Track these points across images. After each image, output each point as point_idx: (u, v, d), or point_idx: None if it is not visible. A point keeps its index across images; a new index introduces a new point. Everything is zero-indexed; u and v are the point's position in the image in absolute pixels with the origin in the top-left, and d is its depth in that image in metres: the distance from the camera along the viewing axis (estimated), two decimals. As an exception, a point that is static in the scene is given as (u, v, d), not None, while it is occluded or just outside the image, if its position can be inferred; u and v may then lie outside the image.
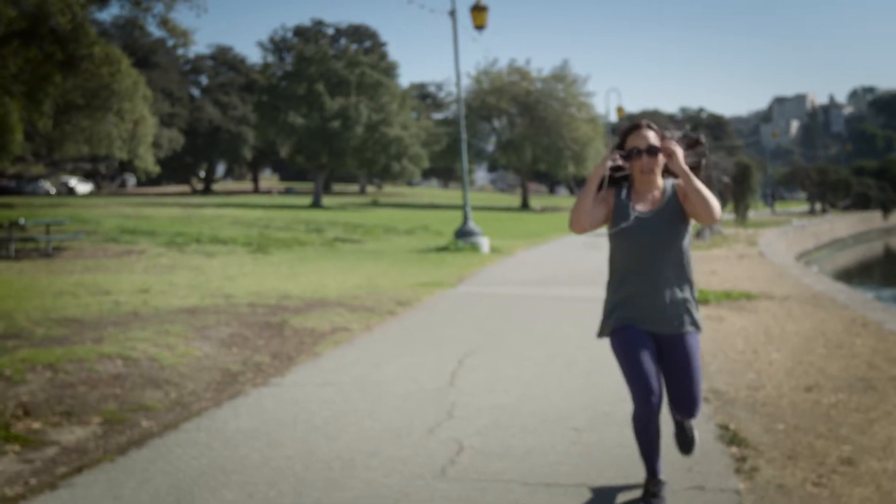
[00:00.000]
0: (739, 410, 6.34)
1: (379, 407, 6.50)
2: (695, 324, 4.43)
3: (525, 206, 68.39)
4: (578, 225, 4.38)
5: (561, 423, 5.97)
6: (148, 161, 29.97)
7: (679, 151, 4.31)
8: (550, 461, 5.15)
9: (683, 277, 4.43)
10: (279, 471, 5.06)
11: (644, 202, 4.39)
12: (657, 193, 4.41)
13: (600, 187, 4.38)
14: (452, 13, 24.64)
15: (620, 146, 4.45)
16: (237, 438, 5.70)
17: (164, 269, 16.39)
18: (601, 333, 4.54)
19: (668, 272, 4.37)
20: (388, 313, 11.51)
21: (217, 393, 7.13)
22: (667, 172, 4.47)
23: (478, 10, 24.07)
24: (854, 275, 35.39)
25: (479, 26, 24.25)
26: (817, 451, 5.33)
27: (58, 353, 7.89)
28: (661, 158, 4.36)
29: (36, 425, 6.00)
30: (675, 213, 4.37)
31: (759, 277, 16.44)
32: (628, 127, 4.49)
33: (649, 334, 4.38)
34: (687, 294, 4.43)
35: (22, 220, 19.99)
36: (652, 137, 4.36)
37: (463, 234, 23.78)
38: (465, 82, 68.85)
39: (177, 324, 9.82)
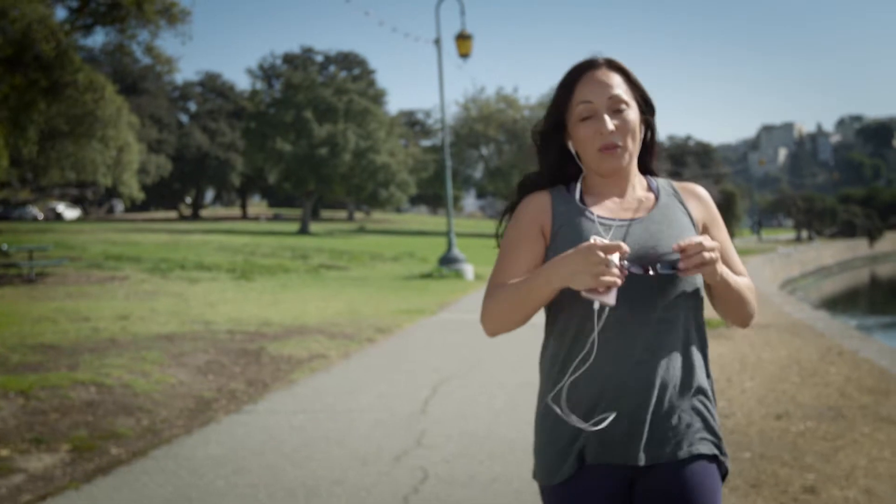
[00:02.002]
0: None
1: (349, 435, 6.52)
2: (715, 442, 2.36)
3: (513, 233, 68.30)
4: (498, 328, 2.38)
5: (528, 450, 5.94)
6: (133, 187, 29.98)
7: (712, 248, 2.20)
8: (514, 488, 5.17)
9: (697, 353, 2.35)
10: (243, 498, 5.07)
11: (620, 209, 2.39)
12: (640, 195, 2.44)
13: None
14: (437, 41, 24.79)
15: (559, 107, 2.40)
16: (205, 466, 5.71)
17: (145, 296, 16.38)
18: (542, 476, 2.40)
19: (671, 345, 2.29)
20: (367, 340, 11.53)
21: (189, 420, 7.13)
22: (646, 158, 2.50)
23: (462, 39, 24.20)
24: (839, 302, 35.53)
25: (464, 55, 24.39)
26: (781, 480, 5.36)
27: (31, 380, 7.89)
28: (630, 127, 2.33)
29: (4, 452, 6.00)
30: (682, 220, 2.40)
31: (739, 305, 16.45)
32: (571, 72, 2.41)
33: (626, 479, 2.32)
34: (703, 383, 2.36)
35: (5, 246, 19.97)
36: (614, 100, 2.32)
37: (447, 260, 23.82)
38: (453, 110, 69.24)
39: (154, 350, 9.82)
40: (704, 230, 2.46)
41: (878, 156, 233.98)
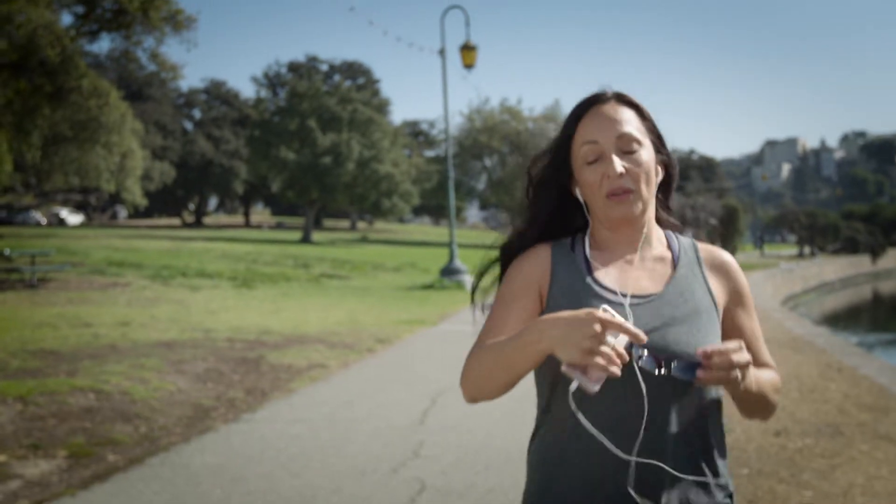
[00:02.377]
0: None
1: (347, 445, 6.51)
2: None
3: (515, 244, 68.40)
4: (477, 392, 1.99)
5: (525, 460, 5.98)
6: (136, 193, 30.07)
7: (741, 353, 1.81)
8: (511, 499, 5.17)
9: (711, 445, 1.97)
10: (239, 507, 5.06)
11: (630, 278, 2.02)
12: (657, 253, 2.07)
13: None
14: (442, 52, 24.86)
15: (561, 149, 2.07)
16: (201, 474, 5.70)
17: (147, 302, 16.39)
18: None
19: (684, 435, 1.92)
20: (367, 350, 11.52)
21: (187, 428, 7.13)
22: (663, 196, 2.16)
23: (467, 50, 24.26)
24: (841, 319, 35.48)
25: (469, 65, 24.44)
26: (778, 497, 5.35)
27: (30, 386, 7.90)
28: (646, 173, 1.99)
29: (1, 458, 6.00)
30: (702, 301, 2.00)
31: (740, 320, 16.47)
32: (575, 109, 2.08)
33: None
34: (723, 480, 1.97)
35: (7, 251, 19.97)
36: (622, 144, 1.98)
37: (449, 271, 23.84)
38: (458, 121, 69.39)
39: (153, 357, 9.83)
40: (727, 315, 2.06)
41: (881, 172, 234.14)
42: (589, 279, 1.99)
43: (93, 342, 10.90)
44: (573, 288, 1.98)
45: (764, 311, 18.99)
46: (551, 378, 1.99)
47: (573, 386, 1.70)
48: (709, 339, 1.91)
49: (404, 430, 6.98)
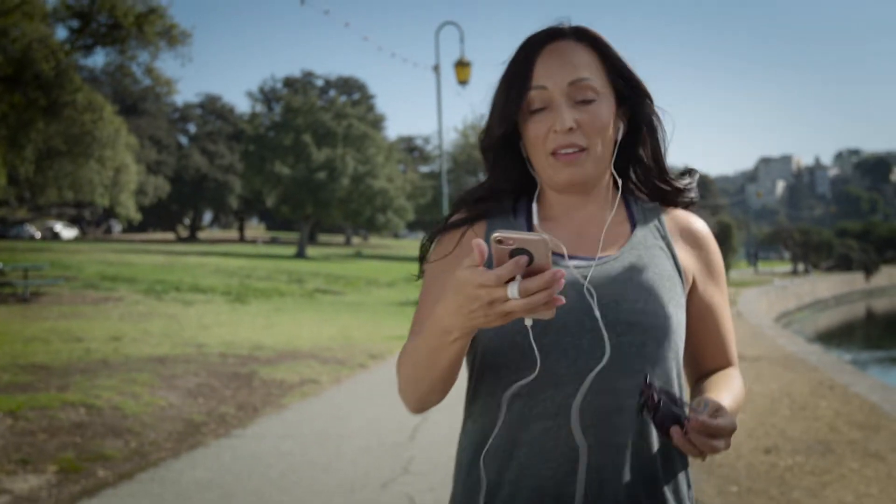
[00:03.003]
0: (695, 471, 6.36)
1: (336, 461, 6.51)
2: None
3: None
4: (415, 400, 1.70)
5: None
6: (130, 208, 30.07)
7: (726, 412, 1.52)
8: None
9: (676, 469, 1.67)
10: (228, 523, 5.06)
11: (575, 246, 1.71)
12: (614, 216, 1.77)
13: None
14: (436, 68, 24.93)
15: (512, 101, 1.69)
16: (190, 490, 5.69)
17: (139, 317, 16.36)
18: None
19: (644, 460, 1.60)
20: (359, 366, 11.52)
21: (177, 443, 7.12)
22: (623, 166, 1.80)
23: (461, 66, 24.31)
24: (834, 336, 35.50)
25: (463, 81, 24.49)
26: (767, 514, 5.36)
27: (20, 400, 7.88)
28: (598, 119, 1.66)
29: (-10, 473, 5.98)
30: (664, 267, 1.71)
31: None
32: (525, 45, 1.72)
33: None
34: (677, 466, 1.66)
35: (0, 265, 19.94)
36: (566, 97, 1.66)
37: (442, 287, 23.81)
38: (452, 136, 69.44)
39: (145, 372, 9.81)
40: (694, 289, 1.77)
41: (875, 190, 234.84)
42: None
43: (84, 357, 10.88)
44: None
45: (757, 328, 19.01)
46: (472, 357, 1.70)
47: (528, 321, 1.41)
48: (670, 310, 1.63)
49: (394, 447, 6.97)
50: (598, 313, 1.58)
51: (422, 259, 1.86)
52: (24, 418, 7.37)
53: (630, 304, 1.61)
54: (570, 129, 1.63)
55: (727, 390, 1.72)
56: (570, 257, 1.65)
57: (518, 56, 1.71)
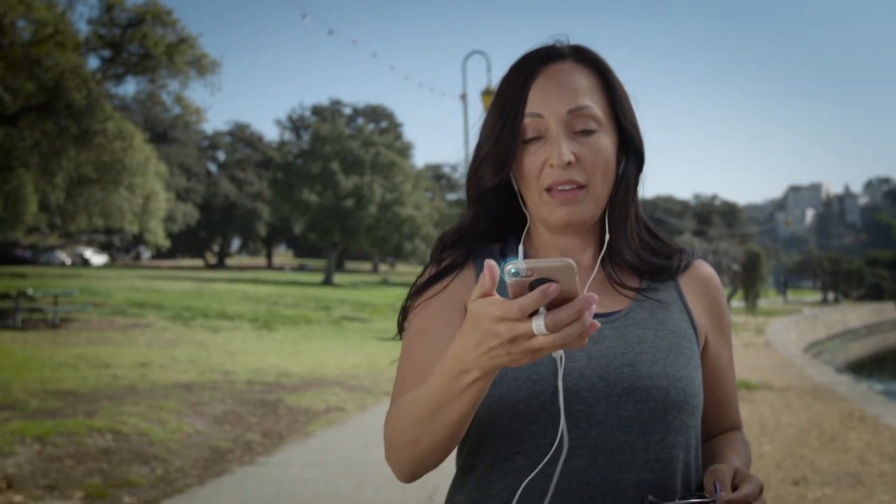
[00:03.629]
0: None
1: (361, 489, 6.50)
2: None
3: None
4: (408, 465, 1.41)
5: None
6: (159, 235, 30.27)
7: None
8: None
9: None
10: (252, 551, 5.05)
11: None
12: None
13: None
14: (463, 97, 25.06)
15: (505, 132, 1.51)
16: (215, 517, 5.70)
17: (167, 344, 16.45)
18: None
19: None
20: (385, 394, 11.51)
21: (203, 470, 7.14)
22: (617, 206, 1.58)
23: (488, 95, 24.39)
24: (865, 366, 35.13)
25: (490, 110, 24.56)
26: (796, 547, 5.29)
27: (48, 426, 7.93)
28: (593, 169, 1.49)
29: (18, 498, 6.01)
30: (679, 323, 1.57)
31: (762, 367, 16.38)
32: (519, 65, 1.54)
33: None
34: None
35: (30, 291, 20.14)
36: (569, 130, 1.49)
37: (469, 315, 23.79)
38: (479, 164, 69.59)
39: (171, 399, 9.86)
40: (705, 343, 1.61)
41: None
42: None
43: (112, 383, 10.94)
44: None
45: (786, 358, 18.86)
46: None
47: (557, 354, 1.22)
48: (690, 372, 1.49)
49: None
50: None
51: (402, 317, 1.62)
52: (52, 444, 7.41)
53: (647, 368, 1.45)
54: (569, 164, 1.46)
55: (736, 454, 1.59)
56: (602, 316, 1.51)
57: (510, 79, 1.53)
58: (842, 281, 69.91)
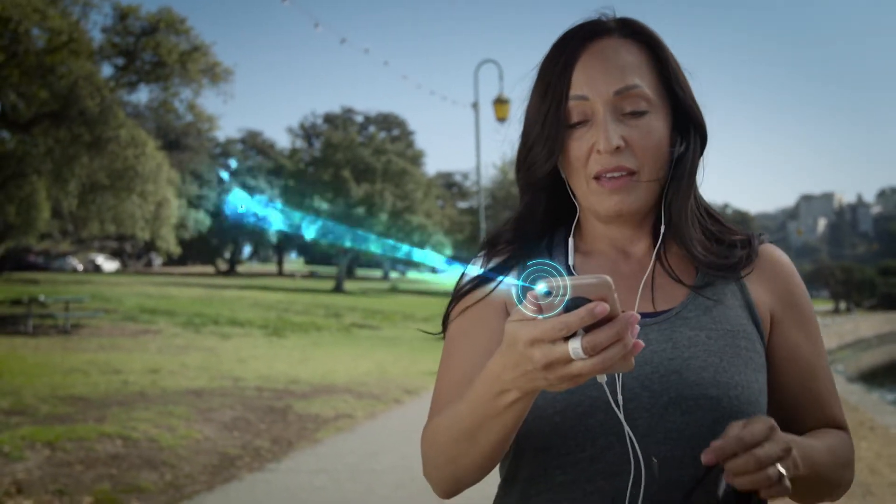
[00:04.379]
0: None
1: (369, 496, 6.51)
2: None
3: (548, 295, 68.37)
4: (450, 482, 1.42)
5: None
6: (170, 242, 30.40)
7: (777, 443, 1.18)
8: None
9: None
10: (260, 558, 5.06)
11: (623, 293, 1.38)
12: (670, 253, 1.48)
13: None
14: (475, 105, 25.07)
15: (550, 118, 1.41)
16: (224, 523, 5.72)
17: (177, 350, 16.49)
18: None
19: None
20: (394, 401, 11.52)
21: (212, 476, 7.15)
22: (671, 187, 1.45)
23: (500, 103, 24.43)
24: (878, 376, 34.97)
25: (501, 118, 24.58)
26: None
27: (58, 431, 7.96)
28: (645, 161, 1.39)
29: (27, 503, 6.04)
30: (738, 320, 1.42)
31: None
32: (563, 42, 1.43)
33: None
34: None
35: (42, 297, 20.21)
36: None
37: (479, 323, 23.77)
38: (491, 172, 69.68)
39: (181, 405, 9.88)
40: (776, 335, 1.45)
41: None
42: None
43: (122, 389, 10.97)
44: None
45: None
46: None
47: (602, 378, 1.11)
48: (747, 376, 1.34)
49: (428, 484, 6.94)
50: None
51: (446, 316, 1.57)
52: (62, 449, 7.43)
53: (696, 375, 1.32)
54: (617, 149, 1.36)
55: (814, 437, 1.39)
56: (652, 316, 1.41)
57: (552, 59, 1.42)
58: (854, 290, 69.67)
